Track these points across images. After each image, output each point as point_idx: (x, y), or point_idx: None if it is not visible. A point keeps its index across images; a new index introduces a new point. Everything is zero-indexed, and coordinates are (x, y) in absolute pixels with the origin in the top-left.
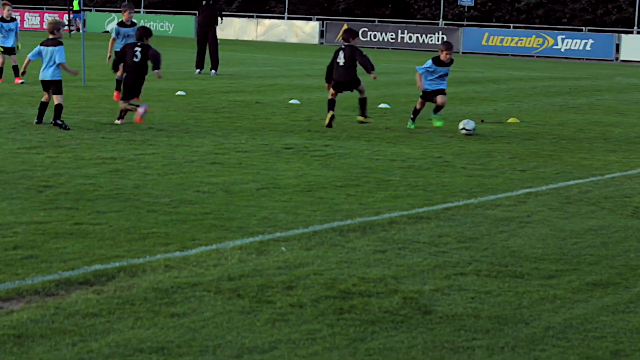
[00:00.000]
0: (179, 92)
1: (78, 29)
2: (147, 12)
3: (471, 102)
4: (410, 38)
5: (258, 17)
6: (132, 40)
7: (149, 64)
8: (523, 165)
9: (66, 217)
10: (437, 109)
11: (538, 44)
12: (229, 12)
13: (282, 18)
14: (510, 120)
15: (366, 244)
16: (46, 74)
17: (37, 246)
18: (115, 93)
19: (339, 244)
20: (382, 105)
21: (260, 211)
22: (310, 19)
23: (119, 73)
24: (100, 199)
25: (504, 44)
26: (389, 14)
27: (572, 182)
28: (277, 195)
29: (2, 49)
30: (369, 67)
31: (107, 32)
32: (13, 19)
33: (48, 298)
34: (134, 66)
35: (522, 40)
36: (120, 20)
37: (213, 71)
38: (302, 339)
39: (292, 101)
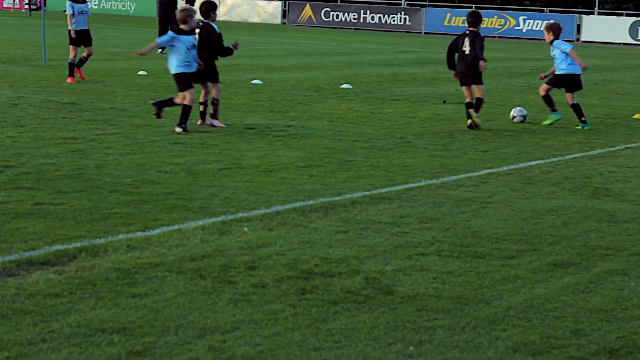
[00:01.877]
0: (140, 72)
1: (38, 8)
2: None
3: (434, 82)
4: (372, 18)
5: None
6: (86, 16)
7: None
8: (484, 145)
9: (27, 197)
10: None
11: (500, 25)
12: None
13: None
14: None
15: (328, 225)
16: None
17: None
18: (69, 78)
19: (301, 224)
20: (344, 86)
21: (223, 191)
22: None
23: (70, 55)
24: (62, 179)
25: (466, 25)
26: None
27: (533, 163)
28: (240, 175)
29: None
30: (481, 56)
31: None
32: None
33: (9, 278)
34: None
35: (484, 20)
36: None
37: None
38: (264, 319)
39: (254, 81)
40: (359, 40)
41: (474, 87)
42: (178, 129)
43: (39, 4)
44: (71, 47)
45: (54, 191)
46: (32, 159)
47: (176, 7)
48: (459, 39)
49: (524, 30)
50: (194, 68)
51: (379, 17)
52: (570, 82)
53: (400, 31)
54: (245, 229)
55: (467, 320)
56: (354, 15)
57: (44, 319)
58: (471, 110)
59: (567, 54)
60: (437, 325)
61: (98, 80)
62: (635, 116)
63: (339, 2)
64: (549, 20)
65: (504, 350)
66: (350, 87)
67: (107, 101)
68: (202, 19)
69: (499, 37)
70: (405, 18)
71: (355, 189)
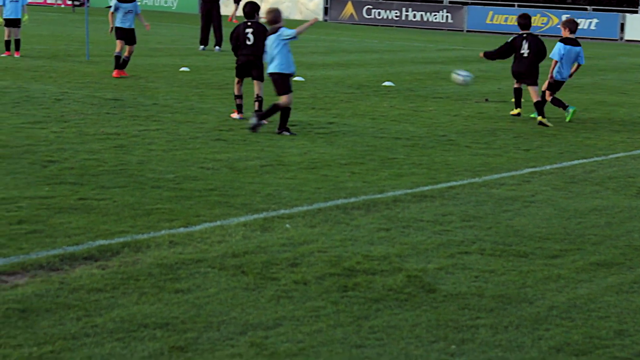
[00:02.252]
0: (183, 69)
1: (82, 4)
2: None
3: (476, 80)
4: (414, 16)
5: None
6: (133, 15)
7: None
8: (527, 144)
9: (70, 192)
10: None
11: (542, 23)
12: None
13: None
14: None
15: (370, 222)
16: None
17: (41, 221)
18: (115, 71)
19: (343, 221)
20: (386, 83)
21: (265, 188)
22: None
23: (117, 49)
24: (105, 175)
25: (509, 23)
26: None
27: (576, 162)
28: (282, 172)
29: (3, 21)
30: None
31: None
32: None
33: (52, 273)
34: (245, 49)
35: None
36: None
37: (217, 47)
38: (306, 316)
39: (296, 78)
40: (401, 38)
41: (529, 89)
42: (286, 133)
43: (82, 0)
44: (118, 41)
45: (97, 186)
46: (75, 154)
47: (218, 4)
48: (517, 42)
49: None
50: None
51: (421, 15)
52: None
53: (442, 29)
54: (288, 225)
55: (510, 320)
56: (396, 12)
57: (88, 314)
58: (539, 117)
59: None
60: (480, 324)
61: (140, 77)
62: None
63: (380, 0)
64: (592, 19)
65: (546, 350)
66: (393, 84)
67: (150, 97)
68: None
69: (541, 35)
70: (447, 16)
71: (397, 186)
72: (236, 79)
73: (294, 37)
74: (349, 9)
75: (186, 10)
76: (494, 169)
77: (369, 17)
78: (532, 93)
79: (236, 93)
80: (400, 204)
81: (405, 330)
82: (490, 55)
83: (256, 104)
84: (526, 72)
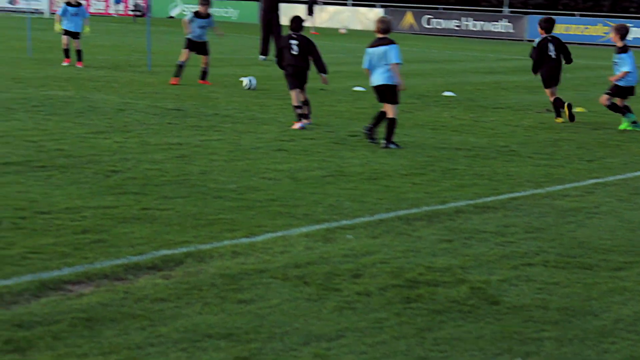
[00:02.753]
0: (243, 78)
1: (143, 15)
2: None
3: (537, 90)
4: (474, 25)
5: (323, 3)
6: (205, 29)
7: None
8: (590, 155)
9: (134, 202)
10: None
11: (604, 33)
12: None
13: (346, 4)
14: (577, 109)
15: (432, 233)
16: (379, 78)
17: (105, 230)
18: (172, 78)
19: (405, 232)
20: (446, 93)
21: (326, 198)
22: (374, 6)
23: (181, 58)
24: (167, 185)
25: (570, 32)
26: (454, 1)
27: None
28: (343, 182)
29: (63, 30)
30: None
31: (172, 17)
32: (79, 4)
33: (117, 282)
34: (293, 60)
35: (588, 28)
36: (196, 10)
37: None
38: (369, 327)
39: (356, 88)
40: (461, 48)
41: (548, 91)
42: (392, 147)
43: (143, 10)
44: (184, 50)
45: (159, 196)
46: (138, 164)
47: (278, 14)
48: (544, 45)
49: (630, 39)
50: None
51: (481, 25)
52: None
53: (502, 39)
54: (350, 236)
55: (575, 332)
56: (456, 22)
57: (152, 323)
58: (566, 106)
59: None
60: (544, 336)
61: (202, 87)
62: None
63: (440, 9)
64: None
65: None
66: (453, 94)
67: (211, 107)
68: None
69: (603, 45)
70: (508, 25)
71: (459, 197)
72: (292, 90)
73: (398, 63)
74: (409, 18)
75: (246, 20)
76: (556, 180)
77: (429, 26)
78: (549, 93)
79: (295, 103)
80: (462, 215)
81: (469, 343)
82: (535, 70)
83: (304, 108)
84: (556, 74)
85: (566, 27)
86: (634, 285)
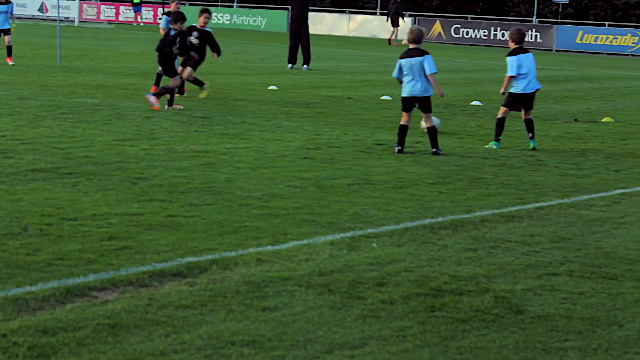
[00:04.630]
0: (271, 87)
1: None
2: (240, 7)
3: (564, 100)
4: (503, 35)
5: (350, 12)
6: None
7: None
8: (617, 165)
9: (160, 209)
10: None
11: (633, 43)
12: (322, 7)
13: (375, 14)
14: (605, 119)
15: (457, 242)
16: (415, 89)
17: (131, 237)
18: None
19: (430, 241)
20: (474, 103)
21: (352, 207)
22: (402, 16)
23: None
24: (193, 192)
25: (599, 42)
26: (482, 10)
27: None
28: (369, 191)
29: None
30: None
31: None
32: (7, 1)
33: (142, 289)
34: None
35: (617, 38)
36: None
37: (305, 66)
38: (392, 335)
39: (383, 97)
40: (489, 57)
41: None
42: (440, 152)
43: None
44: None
45: (185, 204)
46: (164, 171)
47: (307, 23)
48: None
49: None
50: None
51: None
52: None
53: (531, 48)
54: (374, 244)
55: (599, 342)
56: (484, 32)
57: (176, 330)
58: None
59: None
60: (569, 346)
61: (229, 95)
62: None
63: (469, 19)
64: None
65: None
66: (480, 104)
67: (238, 115)
68: None
69: (632, 55)
70: (536, 35)
71: (484, 206)
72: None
73: (435, 72)
74: (437, 27)
75: (274, 29)
76: (583, 189)
77: (457, 35)
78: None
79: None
80: (487, 224)
81: (493, 352)
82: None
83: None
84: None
85: (595, 37)
86: None
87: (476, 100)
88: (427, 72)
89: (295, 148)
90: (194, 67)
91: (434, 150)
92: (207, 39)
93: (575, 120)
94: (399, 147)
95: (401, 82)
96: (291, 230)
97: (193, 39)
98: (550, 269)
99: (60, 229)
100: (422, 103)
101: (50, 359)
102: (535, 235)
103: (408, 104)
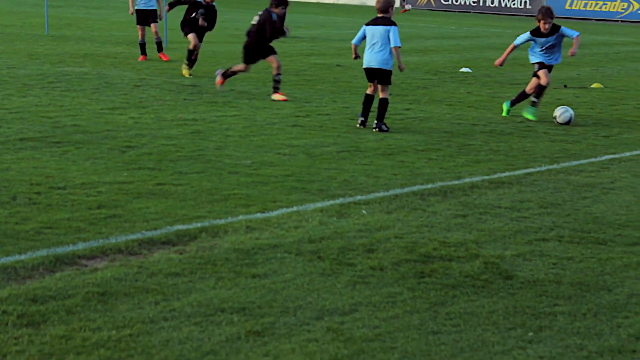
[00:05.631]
0: None
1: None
2: None
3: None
4: (492, 2)
5: None
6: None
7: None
8: (606, 131)
9: (149, 178)
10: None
11: (622, 9)
12: None
13: None
14: (594, 85)
15: (447, 208)
16: (373, 59)
17: (120, 206)
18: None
19: (419, 207)
20: (463, 69)
21: (341, 174)
22: None
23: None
24: (182, 160)
25: (588, 8)
26: None
27: None
28: (358, 158)
29: None
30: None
31: None
32: None
33: (131, 257)
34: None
35: (606, 4)
36: None
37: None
38: (382, 301)
39: None
40: (479, 24)
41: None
42: (384, 128)
43: None
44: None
45: (174, 172)
46: (153, 140)
47: None
48: None
49: None
50: None
51: (499, 1)
52: None
53: (520, 15)
54: (364, 211)
55: (588, 307)
56: None
57: (165, 298)
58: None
59: None
60: (558, 311)
61: (218, 63)
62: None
63: None
64: None
65: (625, 337)
66: (470, 71)
67: (227, 83)
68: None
69: (621, 21)
70: (525, 2)
71: (474, 173)
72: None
73: (399, 46)
74: None
75: None
76: (572, 155)
77: (446, 3)
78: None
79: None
80: (477, 190)
81: (482, 317)
82: None
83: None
84: None
85: (585, 3)
86: None
87: (465, 67)
88: (392, 45)
89: (284, 116)
90: (200, 38)
91: (377, 123)
92: (211, 14)
93: (565, 86)
94: (362, 118)
95: (356, 51)
96: (280, 198)
97: (199, 16)
98: (539, 234)
99: (49, 197)
100: (381, 75)
101: (40, 327)
102: (524, 201)
103: (369, 75)
